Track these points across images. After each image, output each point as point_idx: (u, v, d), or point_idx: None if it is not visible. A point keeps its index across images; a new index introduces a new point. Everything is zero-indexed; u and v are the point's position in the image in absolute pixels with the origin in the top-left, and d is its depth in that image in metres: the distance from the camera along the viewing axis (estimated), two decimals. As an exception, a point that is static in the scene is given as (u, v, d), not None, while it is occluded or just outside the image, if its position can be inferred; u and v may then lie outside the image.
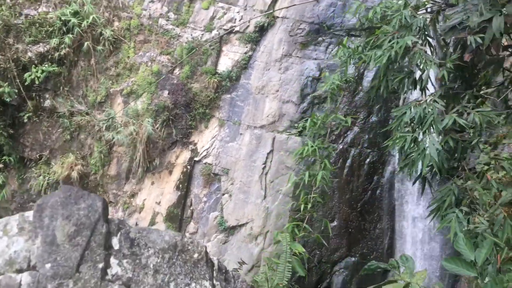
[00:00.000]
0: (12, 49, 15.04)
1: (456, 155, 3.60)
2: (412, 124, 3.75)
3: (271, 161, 14.46)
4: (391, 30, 4.17)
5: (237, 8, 15.30)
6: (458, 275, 12.31)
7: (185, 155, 15.49)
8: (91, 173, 15.79)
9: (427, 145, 3.35)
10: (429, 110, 3.55)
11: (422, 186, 3.77)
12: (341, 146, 13.99)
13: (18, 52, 15.07)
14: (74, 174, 15.31)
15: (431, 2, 4.47)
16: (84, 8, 15.38)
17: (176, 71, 15.41)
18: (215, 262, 5.02)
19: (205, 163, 15.35)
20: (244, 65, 15.09)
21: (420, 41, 3.90)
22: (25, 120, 15.58)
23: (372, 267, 3.10)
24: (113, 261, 4.52)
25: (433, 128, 3.49)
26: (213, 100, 15.22)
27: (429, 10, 4.55)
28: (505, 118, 4.71)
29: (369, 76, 13.61)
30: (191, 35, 15.50)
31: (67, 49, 15.27)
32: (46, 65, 15.24)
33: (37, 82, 15.12)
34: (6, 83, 14.80)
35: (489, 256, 2.63)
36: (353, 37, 14.10)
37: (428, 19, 4.18)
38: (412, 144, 3.59)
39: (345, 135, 13.95)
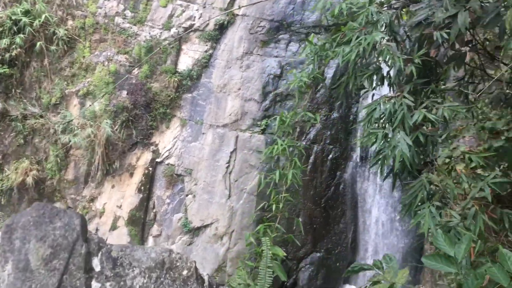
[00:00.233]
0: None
1: (425, 150, 3.64)
2: (382, 120, 3.75)
3: (234, 160, 14.36)
4: (358, 27, 4.16)
5: (196, 6, 15.08)
6: (421, 266, 12.65)
7: (146, 156, 15.15)
8: (48, 178, 15.17)
9: (398, 141, 3.35)
10: (399, 106, 3.56)
11: (393, 182, 3.78)
12: (304, 143, 14.06)
13: (-34, 53, 14.30)
14: (29, 180, 14.67)
15: (395, -2, 4.50)
16: (35, 6, 14.74)
17: (135, 70, 15.04)
18: (205, 278, 4.69)
19: (167, 164, 15.07)
20: (205, 64, 14.90)
21: (387, 37, 3.91)
22: (-25, 125, 14.81)
23: (356, 268, 3.07)
24: (95, 285, 4.11)
25: (403, 124, 3.50)
26: (174, 100, 14.95)
27: (393, 6, 4.57)
28: (467, 111, 4.81)
29: (329, 73, 13.74)
30: (149, 33, 15.16)
31: (19, 49, 14.59)
32: (-4, 67, 14.53)
33: (-14, 85, 14.39)
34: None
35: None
36: (312, 34, 14.17)
37: (394, 16, 4.19)
38: (383, 141, 3.58)
39: (308, 132, 14.03)
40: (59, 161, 14.98)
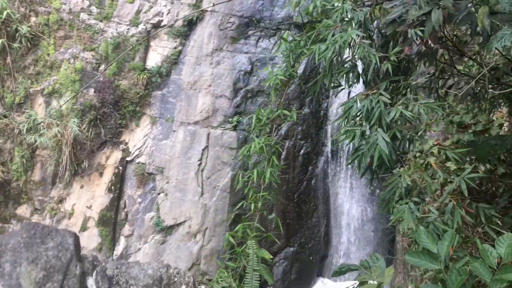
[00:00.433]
0: None
1: (402, 146, 3.70)
2: (359, 117, 3.78)
3: (206, 157, 14.27)
4: (333, 24, 4.18)
5: (164, 1, 14.84)
6: (392, 258, 12.92)
7: (116, 155, 14.88)
8: (13, 180, 14.69)
9: (376, 139, 3.39)
10: (376, 103, 3.60)
11: (371, 178, 3.83)
12: (275, 139, 14.09)
13: None
14: (-6, 182, 14.18)
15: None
16: (-4, 3, 14.19)
17: (102, 67, 14.70)
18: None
19: (138, 163, 14.84)
20: (175, 60, 14.71)
21: (362, 35, 3.95)
22: None
23: (343, 269, 3.09)
24: (91, 306, 3.93)
25: (380, 121, 3.54)
26: (143, 97, 14.71)
27: (366, 3, 4.61)
28: (441, 107, 4.92)
29: (299, 69, 13.80)
30: (116, 30, 14.84)
31: (-21, 47, 14.04)
32: (-45, 65, 13.93)
33: None
34: None
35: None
36: (287, 31, 14.21)
37: (368, 13, 4.23)
38: (360, 138, 3.62)
39: (279, 127, 14.07)
40: (25, 162, 14.52)
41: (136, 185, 14.86)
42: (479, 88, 5.78)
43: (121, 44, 14.64)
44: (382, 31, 4.19)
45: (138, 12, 14.89)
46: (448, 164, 4.56)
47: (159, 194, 14.63)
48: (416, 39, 3.89)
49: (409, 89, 4.38)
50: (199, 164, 14.29)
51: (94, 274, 3.99)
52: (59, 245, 3.90)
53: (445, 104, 5.15)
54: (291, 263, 14.23)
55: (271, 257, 3.93)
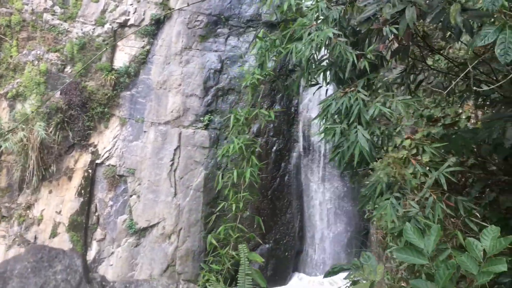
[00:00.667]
0: None
1: (381, 142, 3.76)
2: (337, 115, 3.81)
3: (179, 157, 14.13)
4: (309, 23, 4.19)
5: (130, 0, 14.57)
6: (364, 250, 13.16)
7: (85, 158, 14.55)
8: (-23, 187, 14.17)
9: (356, 136, 3.43)
10: (354, 100, 3.64)
11: (351, 175, 3.88)
12: (247, 137, 14.09)
13: None
14: (-43, 190, 13.63)
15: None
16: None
17: (68, 69, 14.32)
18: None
19: (108, 165, 14.55)
20: (143, 60, 14.48)
21: (338, 33, 3.98)
22: None
23: (336, 269, 3.11)
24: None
25: (359, 118, 3.58)
26: (111, 98, 14.42)
27: (339, 1, 4.65)
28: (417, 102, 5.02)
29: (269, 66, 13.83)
30: (82, 30, 14.48)
31: None
32: None
33: None
34: None
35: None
36: (251, 28, 14.21)
37: (342, 11, 4.27)
38: (340, 136, 3.65)
39: (251, 125, 14.05)
40: (-11, 168, 14.02)
41: (107, 188, 14.57)
42: (448, 83, 5.94)
43: (87, 45, 14.30)
44: (357, 29, 4.23)
45: (103, 11, 14.57)
46: (419, 157, 4.67)
47: (131, 196, 14.40)
48: (391, 36, 3.96)
49: (381, 85, 4.45)
50: (171, 164, 14.15)
51: (103, 295, 3.85)
52: (68, 267, 3.75)
53: (420, 100, 5.26)
54: (267, 260, 14.28)
55: (263, 260, 3.92)
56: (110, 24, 14.45)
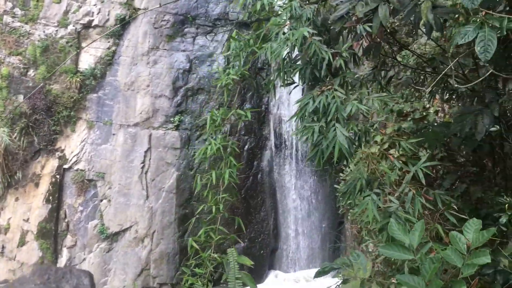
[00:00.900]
0: None
1: (359, 139, 3.80)
2: (315, 114, 3.83)
3: (150, 159, 13.93)
4: (282, 22, 4.19)
5: (94, 0, 14.24)
6: (337, 244, 13.34)
7: (52, 163, 14.16)
8: None
9: (336, 133, 3.46)
10: (331, 99, 3.66)
11: (330, 173, 3.91)
12: (222, 137, 14.03)
13: None
14: None
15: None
16: None
17: (31, 72, 13.89)
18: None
19: (76, 170, 14.21)
20: (109, 61, 14.19)
21: (313, 32, 4.00)
22: None
23: (326, 269, 3.12)
24: None
25: (336, 116, 3.61)
26: (77, 101, 14.08)
27: (312, 0, 4.67)
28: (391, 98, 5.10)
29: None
30: (44, 32, 14.06)
31: None
32: None
33: None
34: None
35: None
36: (219, 27, 14.14)
37: (315, 10, 4.29)
38: (318, 134, 3.67)
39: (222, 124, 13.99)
40: (-50, 177, 13.47)
41: (76, 193, 14.24)
42: (417, 78, 6.09)
43: (50, 47, 13.91)
44: (331, 27, 4.26)
45: (66, 12, 14.19)
46: (391, 151, 4.75)
47: (101, 200, 14.12)
48: (364, 34, 4.00)
49: (356, 83, 4.50)
50: (142, 167, 13.94)
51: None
52: (75, 287, 3.58)
53: (394, 96, 5.35)
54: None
55: (252, 263, 3.90)
56: (73, 25, 14.09)
